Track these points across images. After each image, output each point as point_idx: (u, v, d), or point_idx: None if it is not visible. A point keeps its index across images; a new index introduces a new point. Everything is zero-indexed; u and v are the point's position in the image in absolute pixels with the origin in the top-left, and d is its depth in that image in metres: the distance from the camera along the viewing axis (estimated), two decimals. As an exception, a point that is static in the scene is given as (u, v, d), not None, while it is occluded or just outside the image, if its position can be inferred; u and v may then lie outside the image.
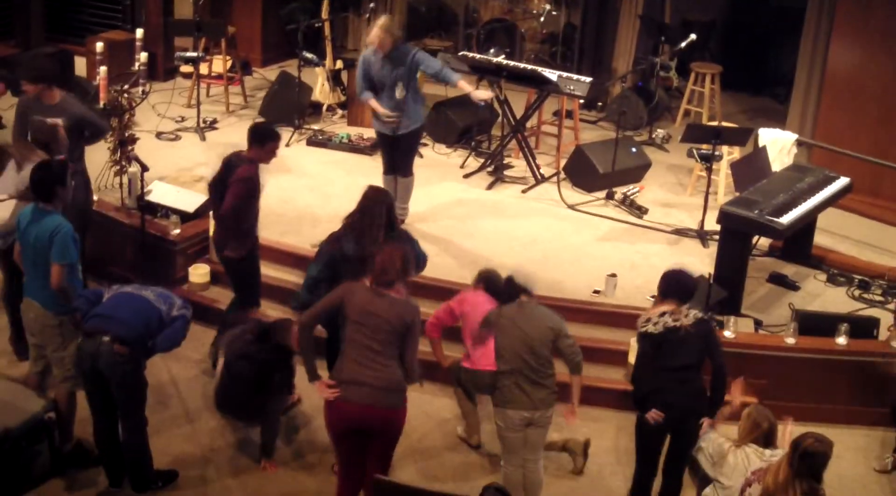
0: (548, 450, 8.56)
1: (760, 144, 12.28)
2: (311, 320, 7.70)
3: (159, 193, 11.33)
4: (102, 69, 11.50)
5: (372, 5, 15.73)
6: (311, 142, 13.56)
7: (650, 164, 13.15)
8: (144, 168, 11.22)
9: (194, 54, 14.05)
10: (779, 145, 12.35)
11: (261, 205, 9.55)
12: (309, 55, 14.15)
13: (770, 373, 9.57)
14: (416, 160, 11.76)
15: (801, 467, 6.87)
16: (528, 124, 13.52)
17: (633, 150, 13.11)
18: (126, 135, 11.22)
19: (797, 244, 11.32)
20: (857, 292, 10.90)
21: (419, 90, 11.12)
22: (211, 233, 10.22)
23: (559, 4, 16.16)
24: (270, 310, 9.94)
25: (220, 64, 15.03)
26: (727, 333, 9.55)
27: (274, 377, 8.43)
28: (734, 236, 10.30)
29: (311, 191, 12.12)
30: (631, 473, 8.32)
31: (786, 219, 10.21)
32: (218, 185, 9.44)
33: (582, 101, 13.69)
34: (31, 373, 8.53)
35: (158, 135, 13.53)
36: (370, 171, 11.78)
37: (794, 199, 10.57)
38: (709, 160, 11.61)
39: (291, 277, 10.48)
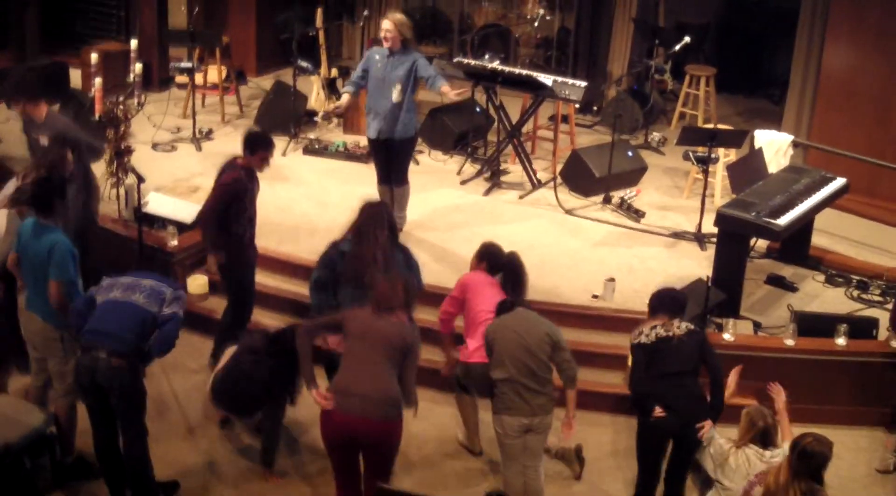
0: None
1: (756, 146, 12.29)
2: (312, 330, 7.73)
3: (156, 204, 11.33)
4: (97, 81, 11.50)
5: (366, 13, 15.76)
6: (308, 150, 13.56)
7: (646, 168, 13.15)
8: (141, 179, 11.20)
9: (189, 64, 14.07)
10: (775, 147, 12.36)
11: (257, 214, 9.55)
12: (304, 64, 14.18)
13: (770, 375, 9.48)
14: (413, 167, 11.77)
15: (799, 467, 6.88)
16: (524, 129, 13.53)
17: (630, 153, 13.12)
18: (122, 146, 11.21)
19: (795, 245, 11.32)
20: (855, 293, 10.90)
21: (414, 100, 11.10)
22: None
23: (553, 9, 16.17)
24: (268, 320, 9.95)
25: (215, 73, 15.02)
26: (726, 336, 9.55)
27: (277, 379, 8.45)
28: (732, 238, 10.31)
29: (307, 199, 12.13)
30: (631, 476, 8.32)
31: (783, 220, 10.22)
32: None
33: (577, 105, 13.70)
34: (33, 387, 8.54)
35: (154, 146, 13.53)
36: (366, 179, 11.78)
37: (791, 201, 10.58)
38: (705, 163, 11.62)
39: (289, 286, 10.49)
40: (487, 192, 12.56)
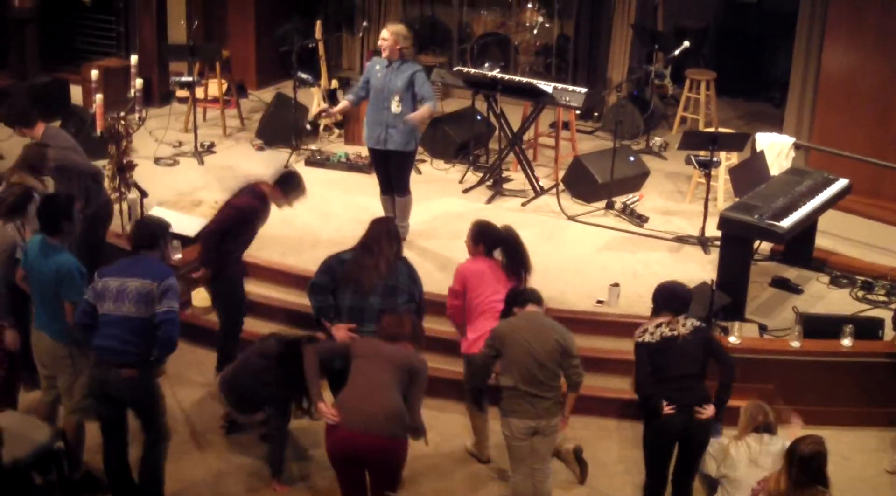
0: None
1: (758, 149, 12.29)
2: (319, 351, 7.74)
3: (160, 219, 11.34)
4: (98, 97, 11.51)
5: (365, 24, 15.78)
6: (310, 162, 13.56)
7: (648, 173, 13.15)
8: (144, 194, 11.28)
9: (189, 79, 14.07)
10: (776, 149, 12.36)
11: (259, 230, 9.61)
12: (304, 76, 14.19)
13: (776, 378, 9.56)
14: (415, 176, 11.78)
15: (801, 476, 6.83)
16: (526, 137, 13.53)
17: (631, 158, 13.12)
18: (124, 161, 11.22)
19: (798, 247, 11.31)
20: (860, 293, 10.89)
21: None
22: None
23: (552, 16, 16.17)
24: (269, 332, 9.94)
25: (215, 87, 15.04)
26: (732, 339, 9.54)
27: (283, 385, 8.49)
28: (735, 242, 10.30)
29: (310, 211, 12.12)
30: (640, 482, 8.32)
31: (786, 222, 10.21)
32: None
33: (578, 111, 13.71)
34: (43, 403, 8.56)
35: (156, 160, 13.54)
36: (369, 190, 11.78)
37: (794, 203, 10.57)
38: (707, 166, 11.61)
39: (293, 298, 10.48)
40: (490, 200, 12.56)
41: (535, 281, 8.70)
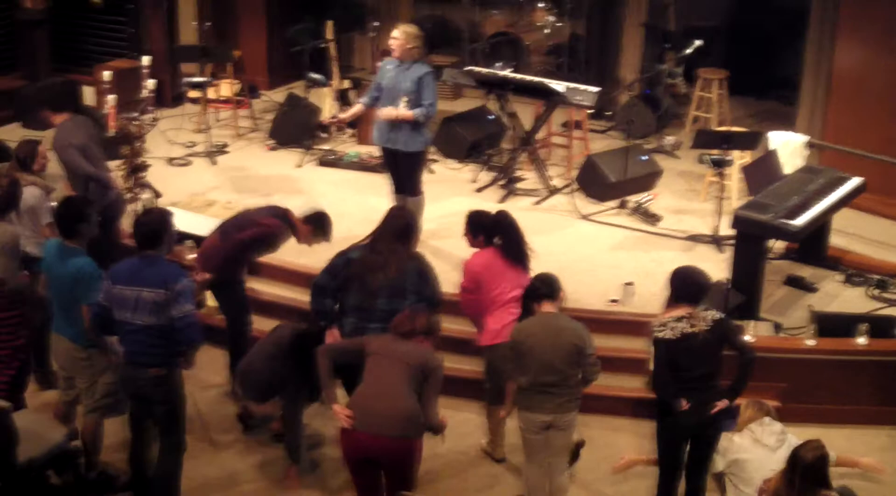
0: None
1: (771, 148, 12.26)
2: (331, 352, 7.69)
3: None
4: (111, 97, 11.53)
5: (377, 24, 15.79)
6: (322, 162, 13.58)
7: (661, 172, 13.14)
8: (157, 194, 11.31)
9: (201, 79, 14.09)
10: (789, 148, 12.33)
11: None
12: (316, 76, 14.20)
13: (791, 376, 9.54)
14: (427, 176, 11.78)
15: (804, 485, 6.83)
16: (538, 136, 13.52)
17: (644, 158, 13.11)
18: (137, 162, 11.23)
19: (812, 246, 11.29)
20: (874, 292, 10.86)
21: None
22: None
23: (563, 16, 16.17)
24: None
25: (227, 88, 15.06)
26: (746, 338, 9.50)
27: (294, 374, 8.54)
28: (749, 240, 10.28)
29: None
30: (654, 480, 8.29)
31: (800, 221, 10.19)
32: (243, 217, 9.73)
33: (590, 111, 13.70)
34: (61, 402, 8.58)
35: (169, 161, 13.56)
36: (381, 190, 11.76)
37: (808, 201, 10.55)
38: (720, 165, 11.60)
39: (306, 298, 10.44)
40: (503, 200, 12.54)
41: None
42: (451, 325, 9.55)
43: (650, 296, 10.36)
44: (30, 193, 9.23)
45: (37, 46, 15.93)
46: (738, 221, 10.28)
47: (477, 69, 13.59)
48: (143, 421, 8.02)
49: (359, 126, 14.34)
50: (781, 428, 7.68)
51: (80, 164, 10.21)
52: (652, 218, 12.15)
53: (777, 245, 11.36)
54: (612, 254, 11.47)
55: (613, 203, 12.52)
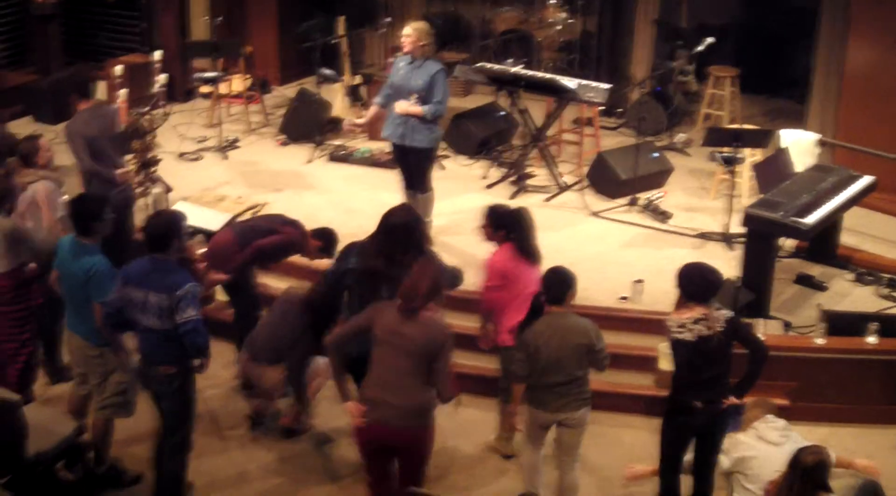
0: None
1: (782, 145, 12.24)
2: (340, 341, 7.60)
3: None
4: (122, 92, 11.54)
5: (388, 20, 15.79)
6: (333, 157, 13.59)
7: (672, 169, 13.13)
8: (168, 189, 11.30)
9: (213, 74, 14.11)
10: (800, 146, 12.30)
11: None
12: (327, 72, 14.21)
13: (801, 375, 9.53)
14: (438, 172, 11.78)
15: (804, 488, 6.82)
16: (549, 133, 13.51)
17: (655, 155, 13.09)
18: (148, 156, 11.24)
19: (823, 244, 11.26)
20: (885, 290, 10.83)
21: None
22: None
23: (575, 12, 16.16)
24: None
25: (238, 83, 15.08)
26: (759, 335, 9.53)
27: (303, 336, 8.71)
28: (759, 238, 10.26)
29: (334, 207, 12.15)
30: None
31: (810, 219, 10.17)
32: (260, 223, 9.87)
33: (601, 108, 13.69)
34: (75, 395, 8.60)
35: (180, 155, 13.58)
36: (392, 185, 11.78)
37: (818, 199, 10.52)
38: (731, 163, 11.58)
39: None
40: (513, 196, 12.54)
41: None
42: (460, 322, 9.54)
43: (660, 294, 10.35)
44: (39, 188, 9.23)
45: (49, 41, 15.95)
46: (748, 219, 10.26)
47: (488, 66, 13.59)
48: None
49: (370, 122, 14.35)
50: (784, 424, 7.67)
51: (80, 156, 10.17)
52: (662, 215, 12.14)
53: (787, 243, 11.35)
54: (622, 252, 11.47)
55: (624, 200, 12.50)
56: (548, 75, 13.21)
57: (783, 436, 7.61)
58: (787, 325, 10.08)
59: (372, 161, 13.45)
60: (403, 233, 8.23)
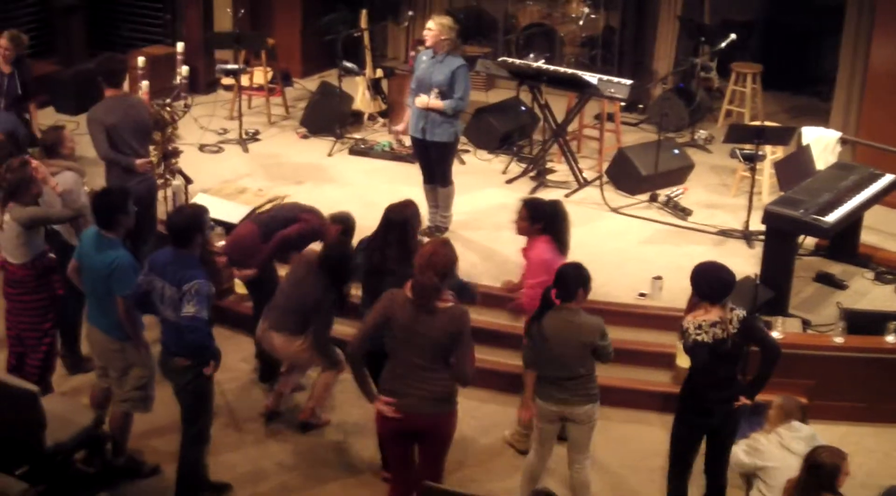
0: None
1: (804, 143, 12.21)
2: (360, 344, 7.47)
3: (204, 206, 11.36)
4: (144, 83, 11.57)
5: (410, 13, 15.79)
6: (354, 151, 13.60)
7: (693, 166, 13.10)
8: (188, 181, 11.33)
9: (235, 66, 14.13)
10: (822, 143, 12.28)
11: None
12: (349, 65, 14.22)
13: (819, 373, 9.50)
14: (458, 167, 11.78)
15: (809, 480, 6.81)
16: (570, 128, 13.50)
17: (676, 151, 13.07)
18: (169, 148, 11.27)
19: (843, 242, 11.22)
20: (905, 290, 10.82)
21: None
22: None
23: (598, 7, 16.14)
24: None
25: (260, 75, 15.10)
26: (775, 334, 9.47)
27: (325, 293, 8.70)
28: (779, 236, 10.23)
29: (354, 200, 12.13)
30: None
31: (831, 217, 10.13)
32: (279, 213, 9.86)
33: (623, 103, 13.68)
34: (97, 387, 8.63)
35: (201, 147, 13.62)
36: (413, 179, 11.79)
37: (839, 198, 10.48)
38: (752, 160, 11.56)
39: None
40: (533, 191, 12.50)
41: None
42: (481, 317, 9.56)
43: (679, 291, 10.30)
44: (66, 178, 9.26)
45: (72, 32, 16.01)
46: (769, 217, 10.23)
47: (510, 60, 13.58)
48: None
49: (391, 116, 14.37)
50: (810, 432, 7.55)
51: (99, 145, 10.18)
52: (682, 212, 12.12)
53: (807, 241, 11.31)
54: (642, 248, 11.45)
55: (644, 196, 12.48)
56: (570, 70, 13.19)
57: (809, 446, 7.51)
58: (807, 323, 10.05)
59: (392, 155, 13.46)
60: (399, 229, 8.35)
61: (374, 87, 14.80)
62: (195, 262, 7.74)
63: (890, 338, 9.49)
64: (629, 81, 12.74)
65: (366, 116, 14.72)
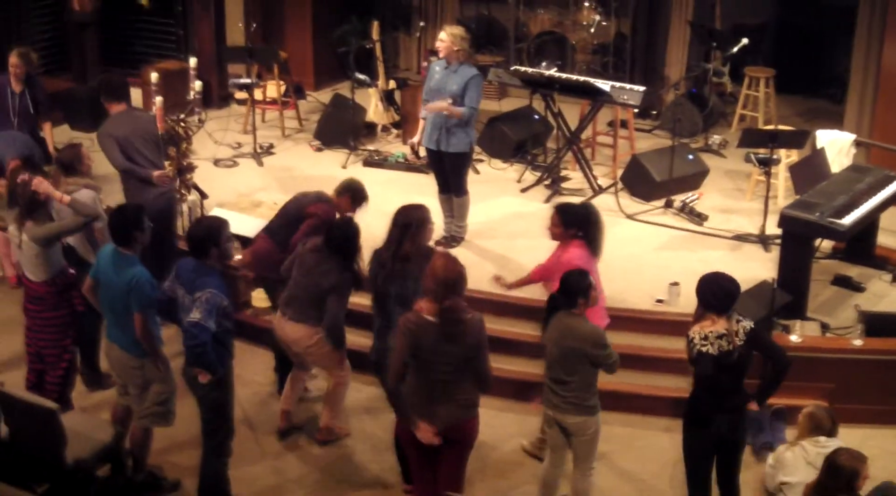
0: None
1: (818, 146, 12.19)
2: (398, 379, 7.39)
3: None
4: (158, 99, 11.60)
5: (422, 24, 15.80)
6: (368, 162, 13.62)
7: (707, 171, 13.08)
8: (203, 195, 11.35)
9: (248, 81, 14.16)
10: (837, 146, 12.25)
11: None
12: (361, 76, 14.24)
13: (838, 377, 9.48)
14: (473, 176, 11.78)
15: (827, 481, 6.79)
16: (583, 136, 13.49)
17: (690, 157, 13.06)
18: (184, 163, 11.29)
19: (860, 245, 11.20)
20: (923, 291, 10.79)
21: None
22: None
23: (609, 14, 16.13)
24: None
25: (273, 89, 15.13)
26: (794, 338, 9.49)
27: (337, 272, 8.67)
28: (796, 240, 10.21)
29: (369, 211, 12.13)
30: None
31: (847, 220, 10.11)
32: (287, 214, 9.79)
33: (636, 110, 13.67)
34: (118, 405, 8.65)
35: (216, 162, 13.64)
36: (427, 189, 11.80)
37: (855, 200, 10.46)
38: (766, 164, 11.54)
39: (354, 298, 10.46)
40: (548, 200, 12.51)
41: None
42: (497, 326, 9.55)
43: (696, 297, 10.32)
44: (83, 195, 9.29)
45: (86, 48, 16.05)
46: (784, 221, 10.21)
47: (522, 69, 13.58)
48: None
49: (404, 126, 14.38)
50: (838, 446, 7.50)
51: (113, 156, 10.23)
52: (698, 217, 12.10)
53: (824, 244, 11.28)
54: (658, 254, 11.44)
55: (659, 202, 12.47)
56: (582, 78, 13.19)
57: None
58: (825, 327, 10.03)
59: (406, 165, 13.47)
60: (399, 230, 8.45)
61: (387, 98, 14.82)
62: (213, 272, 7.80)
63: (908, 341, 9.47)
64: (642, 88, 12.73)
65: (379, 128, 14.73)
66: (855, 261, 11.28)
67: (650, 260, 11.31)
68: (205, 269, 7.78)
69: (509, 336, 9.83)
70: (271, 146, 14.21)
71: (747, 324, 7.58)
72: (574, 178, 13.12)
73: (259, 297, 10.71)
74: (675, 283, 10.39)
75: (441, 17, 16.59)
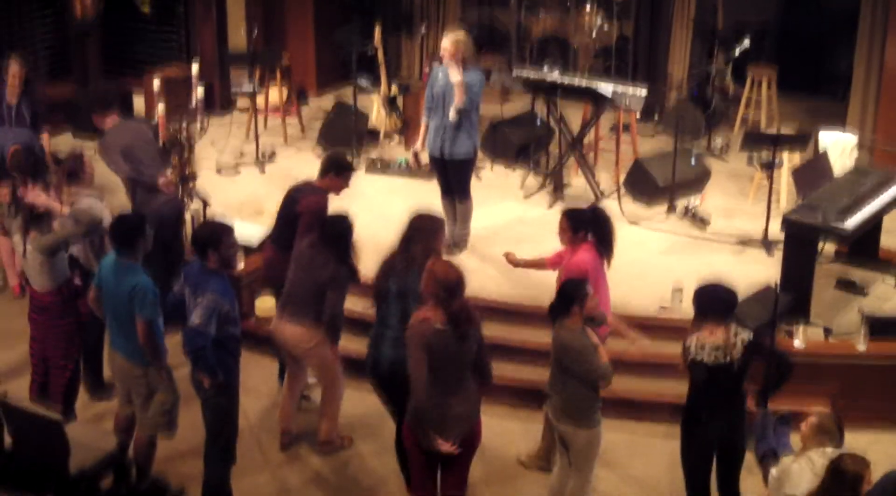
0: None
1: (821, 146, 12.17)
2: (423, 397, 7.32)
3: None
4: (160, 106, 11.59)
5: (424, 28, 15.79)
6: (370, 168, 13.61)
7: (710, 174, 13.05)
8: (206, 203, 11.32)
9: (250, 89, 14.16)
10: (839, 147, 12.25)
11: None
12: (363, 81, 14.23)
13: (842, 381, 9.47)
14: (475, 181, 11.76)
15: (832, 486, 6.78)
16: (586, 140, 13.47)
17: (693, 160, 13.03)
18: (187, 171, 11.29)
19: (864, 248, 11.19)
20: (927, 294, 10.78)
21: (475, 122, 11.08)
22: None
23: (611, 17, 16.11)
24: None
25: (276, 94, 15.12)
26: (797, 342, 9.49)
27: (333, 268, 8.66)
28: (799, 243, 10.19)
29: (372, 218, 12.13)
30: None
31: (850, 223, 10.10)
32: (284, 216, 9.65)
33: (638, 113, 13.65)
34: (120, 414, 8.66)
35: (219, 170, 13.63)
36: (430, 195, 11.78)
37: (858, 202, 10.44)
38: (769, 167, 11.53)
39: (359, 308, 10.44)
40: (552, 205, 12.50)
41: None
42: (500, 334, 9.55)
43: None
44: (88, 205, 9.29)
45: (88, 54, 16.08)
46: (787, 224, 10.19)
47: (525, 73, 13.56)
48: None
49: (407, 131, 14.37)
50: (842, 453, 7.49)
51: (119, 166, 10.27)
52: (701, 221, 12.09)
53: (827, 247, 11.26)
54: (662, 259, 11.43)
55: (662, 207, 12.46)
56: (584, 81, 13.17)
57: None
58: (828, 331, 10.01)
59: (409, 171, 13.46)
60: (405, 237, 8.48)
61: (390, 103, 14.81)
62: (215, 275, 7.85)
63: (913, 344, 9.46)
64: (644, 91, 12.70)
65: (382, 134, 14.72)
66: (858, 265, 11.27)
67: (654, 264, 11.30)
68: (209, 272, 7.83)
69: (514, 344, 9.83)
70: (274, 154, 14.20)
71: (745, 335, 7.58)
72: (576, 183, 13.10)
73: (262, 307, 10.69)
74: (679, 288, 10.37)
75: (443, 21, 16.53)
